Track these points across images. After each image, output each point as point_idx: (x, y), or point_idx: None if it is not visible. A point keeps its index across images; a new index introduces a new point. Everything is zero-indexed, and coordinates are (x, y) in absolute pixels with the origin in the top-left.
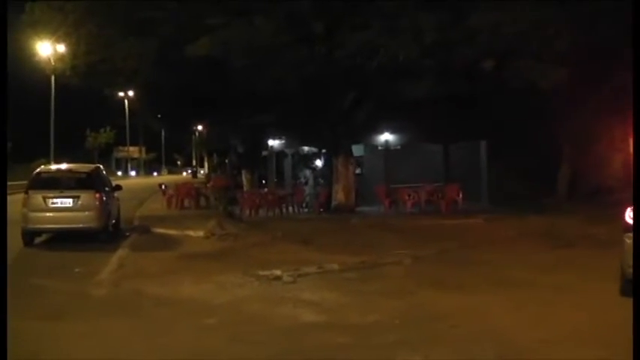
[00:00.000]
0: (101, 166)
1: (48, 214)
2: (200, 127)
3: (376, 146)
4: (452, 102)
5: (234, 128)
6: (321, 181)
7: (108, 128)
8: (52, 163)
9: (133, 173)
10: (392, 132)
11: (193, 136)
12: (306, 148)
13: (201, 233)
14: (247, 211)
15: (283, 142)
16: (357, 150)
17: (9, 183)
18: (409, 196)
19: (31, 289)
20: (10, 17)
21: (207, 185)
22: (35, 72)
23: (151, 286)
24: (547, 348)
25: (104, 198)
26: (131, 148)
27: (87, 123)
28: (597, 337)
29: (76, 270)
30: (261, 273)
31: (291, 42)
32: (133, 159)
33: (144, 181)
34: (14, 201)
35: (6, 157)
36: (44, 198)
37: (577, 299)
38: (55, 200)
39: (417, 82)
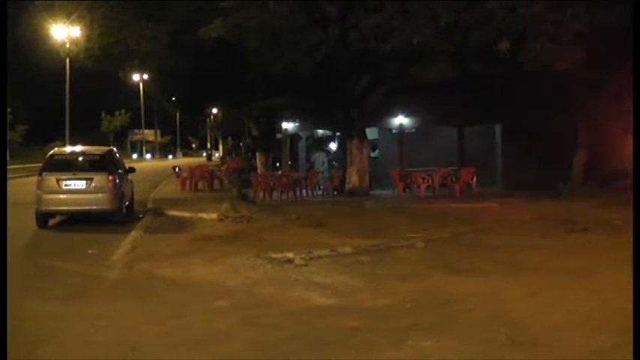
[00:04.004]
0: (115, 149)
1: (61, 196)
2: (215, 110)
3: (390, 129)
4: (467, 85)
5: (249, 111)
6: (335, 164)
7: (123, 111)
8: (67, 145)
9: (148, 156)
10: (406, 115)
11: (208, 119)
12: (320, 131)
13: (214, 216)
14: (261, 194)
15: (297, 125)
16: (372, 133)
17: (25, 165)
18: (423, 179)
19: (44, 271)
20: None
21: (222, 168)
22: (51, 55)
23: (164, 269)
24: (561, 333)
25: (117, 180)
26: (146, 131)
27: (102, 106)
28: (611, 323)
29: (90, 252)
30: (273, 256)
31: (304, 24)
32: (148, 142)
33: (159, 164)
34: (30, 183)
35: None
36: (57, 180)
37: (591, 284)
38: (68, 182)
39: (432, 65)
